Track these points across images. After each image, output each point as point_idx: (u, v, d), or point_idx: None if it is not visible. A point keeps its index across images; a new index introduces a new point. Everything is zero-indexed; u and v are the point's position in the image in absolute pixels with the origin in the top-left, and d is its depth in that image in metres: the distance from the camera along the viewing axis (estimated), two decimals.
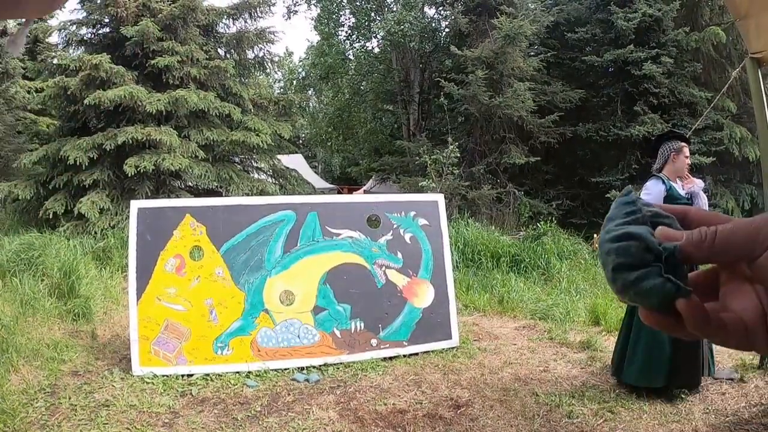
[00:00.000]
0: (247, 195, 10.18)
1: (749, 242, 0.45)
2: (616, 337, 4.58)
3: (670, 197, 4.12)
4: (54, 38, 15.88)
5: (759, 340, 0.47)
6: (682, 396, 4.10)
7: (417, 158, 12.11)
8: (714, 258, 0.48)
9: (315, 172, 27.87)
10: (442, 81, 12.59)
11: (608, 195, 11.21)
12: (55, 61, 11.17)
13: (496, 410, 4.01)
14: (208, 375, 4.62)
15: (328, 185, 25.89)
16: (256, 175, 12.39)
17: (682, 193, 4.19)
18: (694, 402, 4.05)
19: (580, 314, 6.46)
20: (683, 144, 4.29)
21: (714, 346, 4.31)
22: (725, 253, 0.47)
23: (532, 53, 13.30)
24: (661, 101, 12.22)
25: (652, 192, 4.14)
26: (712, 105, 9.66)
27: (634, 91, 12.30)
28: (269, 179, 12.59)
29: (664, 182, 4.15)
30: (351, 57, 19.97)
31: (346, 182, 29.15)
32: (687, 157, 4.28)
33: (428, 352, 5.16)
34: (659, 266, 0.46)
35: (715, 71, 13.23)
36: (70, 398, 4.10)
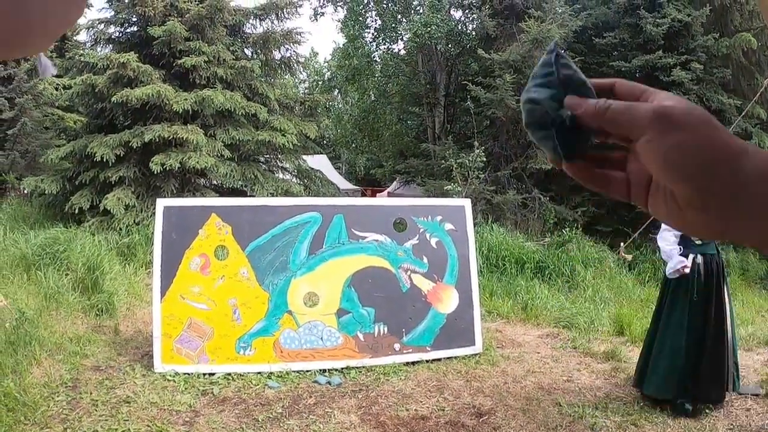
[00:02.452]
0: (272, 195, 10.18)
1: (631, 125, 0.48)
2: (641, 349, 4.51)
3: None
4: (82, 36, 16.07)
5: (640, 200, 0.52)
6: (707, 411, 4.03)
7: (442, 162, 12.01)
8: (605, 130, 0.51)
9: (339, 173, 27.89)
10: (469, 84, 12.48)
11: (634, 202, 11.01)
12: (83, 58, 11.27)
13: (519, 420, 3.95)
14: (229, 374, 4.62)
15: (352, 186, 25.89)
16: (281, 175, 12.39)
17: None
18: (719, 417, 3.97)
19: (605, 323, 6.37)
20: None
21: (739, 360, 4.22)
22: (612, 128, 0.50)
23: None
24: None
25: None
26: (743, 114, 9.46)
27: None
28: (294, 179, 12.58)
29: None
30: (377, 59, 19.93)
31: (370, 184, 29.14)
32: None
33: (451, 358, 5.11)
34: (552, 132, 0.51)
35: (744, 78, 12.97)
36: (91, 393, 4.12)
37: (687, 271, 3.95)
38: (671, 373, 4.00)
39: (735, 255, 10.51)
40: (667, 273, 4.07)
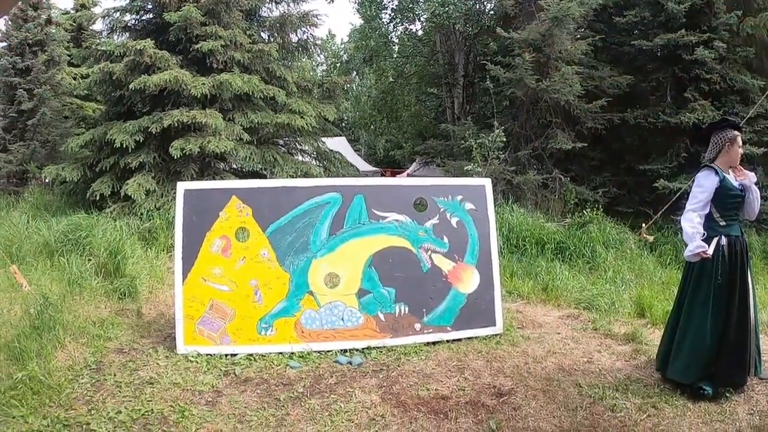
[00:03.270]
0: (292, 177, 10.18)
1: None
2: (663, 331, 4.47)
3: (724, 188, 3.95)
4: (98, 25, 16.18)
5: None
6: (727, 395, 3.97)
7: (462, 142, 11.90)
8: None
9: (359, 155, 27.87)
10: (488, 64, 12.34)
11: (656, 184, 10.86)
12: (100, 47, 11.31)
13: (539, 400, 3.94)
14: (251, 355, 4.66)
15: (371, 168, 25.87)
16: (300, 158, 12.38)
17: (735, 184, 4.01)
18: (739, 402, 3.92)
19: (626, 305, 6.31)
20: (737, 133, 4.09)
21: (761, 345, 4.15)
22: None
23: (579, 36, 12.93)
24: (712, 88, 11.75)
25: (704, 185, 3.98)
26: (767, 94, 9.24)
27: (685, 76, 11.85)
28: (313, 161, 12.56)
29: (717, 173, 3.98)
30: (394, 39, 19.83)
31: (390, 165, 29.09)
32: (740, 147, 4.09)
33: (472, 338, 5.10)
34: None
35: None
36: (115, 375, 4.17)
37: (706, 255, 3.87)
38: (695, 357, 3.95)
39: (757, 238, 10.34)
40: (685, 256, 3.99)
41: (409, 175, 19.38)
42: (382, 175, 24.55)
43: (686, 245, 4.01)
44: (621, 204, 12.13)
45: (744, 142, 4.32)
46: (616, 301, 6.36)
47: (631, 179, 12.56)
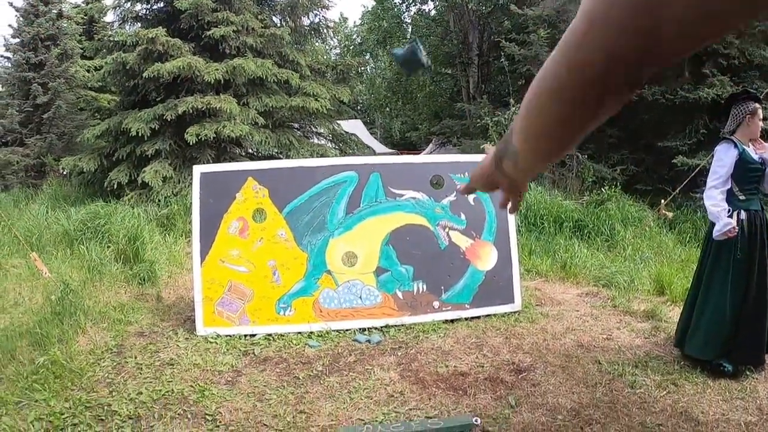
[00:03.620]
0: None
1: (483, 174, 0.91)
2: (682, 308, 4.40)
3: (743, 161, 3.86)
4: (109, 17, 16.22)
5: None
6: (747, 373, 3.92)
7: (478, 121, 11.80)
8: (478, 187, 0.94)
9: (374, 138, 27.75)
10: (503, 41, 12.20)
11: (675, 161, 10.70)
12: (112, 38, 11.35)
13: (558, 377, 3.92)
14: (270, 335, 4.68)
15: (387, 150, 25.75)
16: (316, 140, 12.39)
17: (756, 157, 3.92)
18: (759, 379, 3.87)
19: (645, 283, 6.23)
20: (758, 106, 4.00)
21: None
22: (478, 184, 0.95)
23: None
24: (730, 62, 11.50)
25: (724, 159, 3.89)
26: None
27: (702, 51, 11.64)
28: (329, 144, 12.57)
29: (736, 145, 3.89)
30: (407, 20, 19.71)
31: (406, 147, 28.95)
32: (761, 120, 4.00)
33: (490, 315, 5.08)
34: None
35: None
36: (135, 357, 4.21)
37: (734, 234, 3.80)
38: (713, 333, 3.89)
39: None
40: (714, 236, 3.92)
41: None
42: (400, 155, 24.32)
43: (712, 224, 3.95)
44: (639, 182, 11.97)
45: (764, 117, 4.21)
46: (635, 278, 6.30)
47: (649, 157, 12.38)
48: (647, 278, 6.36)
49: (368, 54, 24.54)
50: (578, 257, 7.15)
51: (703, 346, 3.94)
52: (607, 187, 9.86)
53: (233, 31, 10.45)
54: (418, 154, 21.30)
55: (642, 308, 5.38)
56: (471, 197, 5.14)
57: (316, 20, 12.60)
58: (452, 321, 4.96)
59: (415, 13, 19.50)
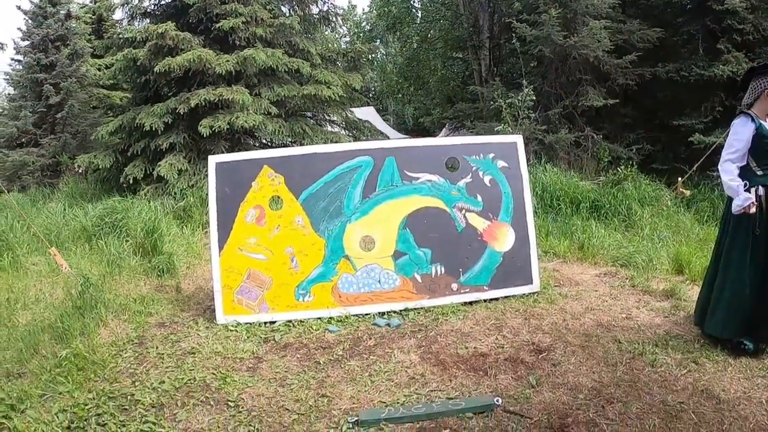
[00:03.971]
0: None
1: None
2: (701, 287, 4.36)
3: (760, 136, 3.79)
4: (118, 14, 16.30)
5: None
6: None
7: (491, 103, 11.72)
8: None
9: (388, 125, 27.68)
10: (514, 22, 12.08)
11: (691, 138, 10.57)
12: (122, 35, 11.39)
13: (578, 356, 3.90)
14: (290, 321, 4.70)
15: (401, 136, 25.66)
16: (329, 128, 12.39)
17: None
18: None
19: (663, 262, 6.18)
20: None
21: None
22: None
23: None
24: (745, 38, 11.30)
25: (740, 133, 3.82)
26: None
27: (716, 27, 11.41)
28: (343, 131, 12.56)
29: (753, 119, 3.82)
30: (416, 5, 19.59)
31: (420, 133, 28.84)
32: None
33: (509, 297, 5.07)
34: None
35: None
36: (157, 347, 4.24)
37: (754, 210, 3.74)
38: (733, 312, 3.84)
39: None
40: (733, 210, 3.86)
41: None
42: None
43: (728, 197, 3.89)
44: (656, 161, 11.86)
45: None
46: (654, 257, 6.24)
47: (665, 135, 12.25)
48: (666, 257, 6.30)
49: (378, 40, 24.39)
50: (596, 237, 7.11)
51: (723, 325, 3.90)
52: (623, 167, 9.77)
53: (242, 22, 10.44)
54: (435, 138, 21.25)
55: (661, 287, 5.34)
56: (487, 178, 5.11)
57: (325, 8, 12.58)
58: (471, 303, 4.95)
59: None
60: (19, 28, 17.31)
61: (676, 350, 3.93)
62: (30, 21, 17.06)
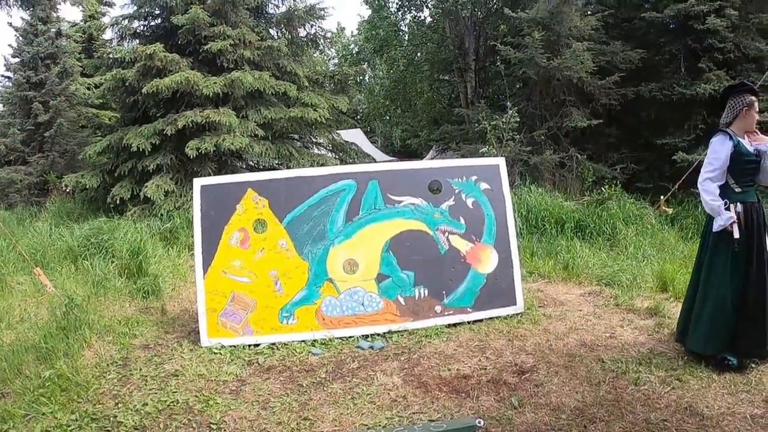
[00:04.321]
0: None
1: None
2: (682, 303, 4.41)
3: (738, 154, 3.88)
4: (108, 34, 16.39)
5: None
6: (752, 365, 3.93)
7: (476, 125, 11.84)
8: None
9: (375, 147, 27.81)
10: (498, 45, 12.25)
11: (674, 157, 10.72)
12: (111, 55, 11.44)
13: (561, 376, 3.93)
14: (274, 344, 4.71)
15: (388, 158, 25.77)
16: (316, 150, 12.45)
17: (750, 149, 3.94)
18: (765, 372, 3.88)
19: (648, 280, 6.24)
20: (754, 98, 4.04)
21: None
22: None
23: (589, 12, 12.79)
24: (726, 57, 11.52)
25: (718, 152, 3.91)
26: None
27: (698, 47, 11.63)
28: (329, 154, 12.62)
29: (731, 137, 3.92)
30: (403, 28, 19.81)
31: (407, 155, 29.02)
32: (757, 112, 4.04)
33: (493, 318, 5.10)
34: None
35: None
36: (141, 369, 4.24)
37: (736, 233, 3.81)
38: (714, 327, 3.90)
39: None
40: (714, 229, 3.93)
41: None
42: None
43: (709, 217, 3.98)
44: (640, 180, 11.98)
45: (760, 110, 4.24)
46: (638, 276, 6.31)
47: (649, 154, 12.39)
48: (650, 275, 6.36)
49: (366, 63, 24.59)
50: (580, 257, 7.17)
51: (705, 341, 3.95)
52: (607, 187, 9.88)
53: (230, 44, 10.53)
54: (419, 161, 21.42)
55: (645, 305, 5.39)
56: (470, 201, 5.17)
57: (313, 31, 12.68)
58: (455, 325, 4.98)
59: (410, 20, 19.59)
60: (10, 45, 17.37)
61: (660, 368, 3.97)
62: (21, 38, 17.08)
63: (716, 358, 3.92)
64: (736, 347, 3.90)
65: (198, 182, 4.98)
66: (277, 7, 12.77)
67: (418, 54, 19.88)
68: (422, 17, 19.58)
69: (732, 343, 3.89)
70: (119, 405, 3.64)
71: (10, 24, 17.43)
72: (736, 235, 3.80)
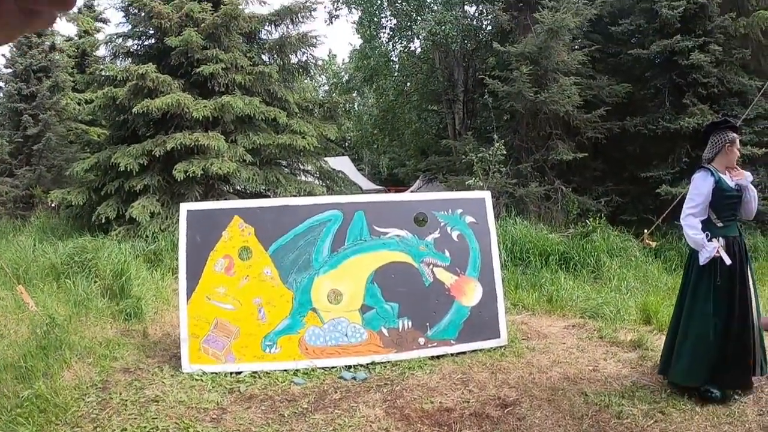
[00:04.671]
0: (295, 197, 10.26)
1: None
2: (665, 336, 4.46)
3: (720, 190, 3.98)
4: (101, 51, 16.42)
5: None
6: (735, 397, 3.96)
7: (463, 157, 11.96)
8: None
9: (362, 175, 27.93)
10: (487, 78, 12.43)
11: (659, 190, 10.88)
12: (103, 72, 11.47)
13: (544, 410, 3.94)
14: (256, 372, 4.68)
15: (375, 186, 25.87)
16: (303, 178, 12.48)
17: (731, 185, 4.03)
18: (748, 403, 3.91)
19: (631, 312, 6.28)
20: (737, 135, 4.15)
21: (767, 345, 4.15)
22: None
23: (576, 47, 13.03)
24: (710, 91, 11.77)
25: (700, 188, 4.00)
26: (762, 92, 9.24)
27: (682, 82, 11.86)
28: (316, 181, 12.65)
29: (713, 173, 4.01)
30: (394, 58, 20.02)
31: (394, 184, 29.16)
32: (739, 149, 4.15)
33: (476, 351, 5.11)
34: None
35: (764, 57, 12.63)
36: (120, 394, 4.20)
37: (727, 260, 3.88)
38: (697, 359, 3.94)
39: (763, 239, 10.31)
40: (701, 262, 4.00)
41: (412, 192, 19.45)
42: (387, 192, 24.61)
43: (692, 251, 4.05)
44: (625, 212, 12.12)
45: (743, 144, 4.36)
46: (622, 308, 6.35)
47: (633, 187, 12.56)
48: (633, 308, 6.41)
49: (355, 91, 24.79)
50: (564, 290, 7.21)
51: (686, 373, 3.99)
52: (592, 219, 9.97)
53: (222, 68, 10.60)
54: (406, 190, 21.57)
55: (629, 338, 5.42)
56: (455, 234, 5.21)
57: (304, 58, 12.80)
58: (438, 357, 4.98)
59: (401, 51, 19.82)
60: (3, 55, 17.39)
61: (643, 401, 3.99)
62: (14, 49, 17.06)
63: (699, 390, 3.96)
64: (719, 379, 3.93)
65: (185, 207, 4.99)
66: (270, 33, 12.87)
67: (408, 84, 20.09)
68: (413, 48, 19.85)
69: (714, 375, 3.93)
70: (98, 429, 3.62)
71: None
72: (728, 261, 3.86)
